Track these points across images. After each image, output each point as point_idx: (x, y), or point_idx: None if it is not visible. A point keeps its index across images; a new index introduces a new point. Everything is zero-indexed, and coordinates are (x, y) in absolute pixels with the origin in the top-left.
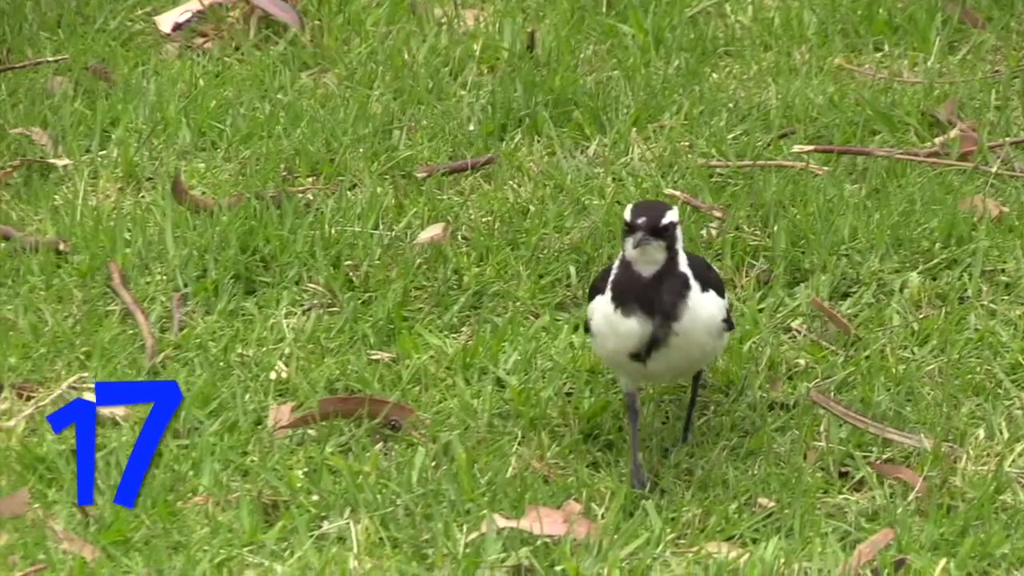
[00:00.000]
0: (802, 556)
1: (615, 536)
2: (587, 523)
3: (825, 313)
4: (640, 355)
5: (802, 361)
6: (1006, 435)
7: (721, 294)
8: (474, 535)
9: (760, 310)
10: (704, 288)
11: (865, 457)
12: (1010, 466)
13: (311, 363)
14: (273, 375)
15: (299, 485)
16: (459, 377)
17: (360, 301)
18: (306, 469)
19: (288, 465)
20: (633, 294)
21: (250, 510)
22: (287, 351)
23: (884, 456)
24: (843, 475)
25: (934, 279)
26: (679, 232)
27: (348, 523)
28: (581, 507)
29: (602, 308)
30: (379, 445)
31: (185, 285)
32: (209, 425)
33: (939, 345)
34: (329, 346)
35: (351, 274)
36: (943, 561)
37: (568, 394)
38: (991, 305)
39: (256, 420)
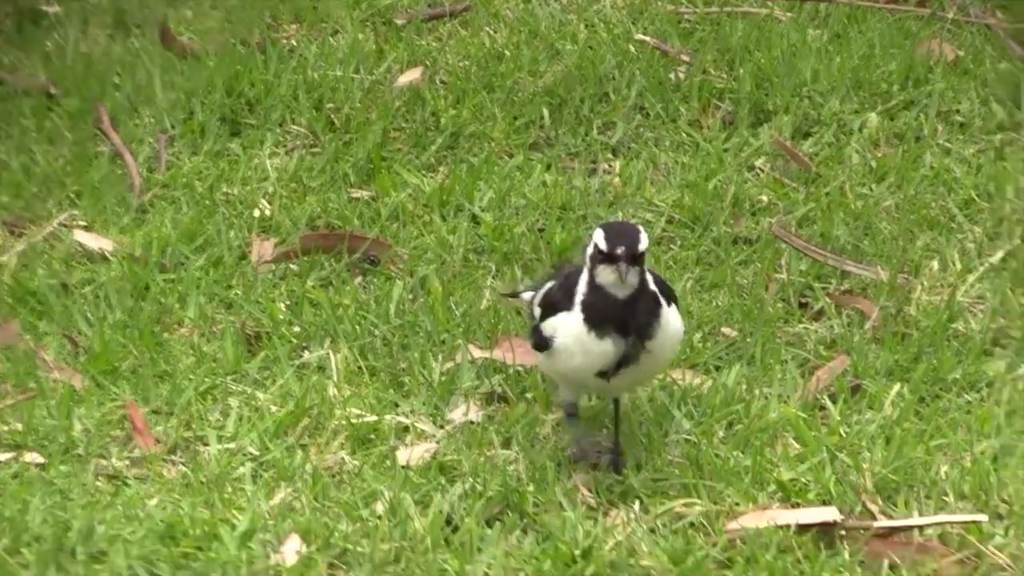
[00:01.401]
0: (762, 382)
1: None
2: None
3: (787, 152)
4: (607, 373)
5: (764, 198)
6: (958, 266)
7: (676, 302)
8: (449, 364)
9: (725, 150)
10: (668, 302)
11: (824, 288)
12: (962, 296)
13: (293, 201)
14: (256, 212)
15: (281, 317)
16: (435, 214)
17: (341, 142)
18: (288, 302)
19: (270, 298)
20: (608, 316)
21: (234, 341)
22: (270, 190)
23: (842, 287)
24: (803, 305)
25: (892, 119)
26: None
27: (328, 353)
28: None
29: (570, 329)
30: (358, 279)
31: (172, 127)
32: (195, 260)
33: (896, 182)
34: (311, 184)
35: (332, 116)
36: (897, 386)
37: (540, 230)
38: (946, 144)
39: (240, 255)
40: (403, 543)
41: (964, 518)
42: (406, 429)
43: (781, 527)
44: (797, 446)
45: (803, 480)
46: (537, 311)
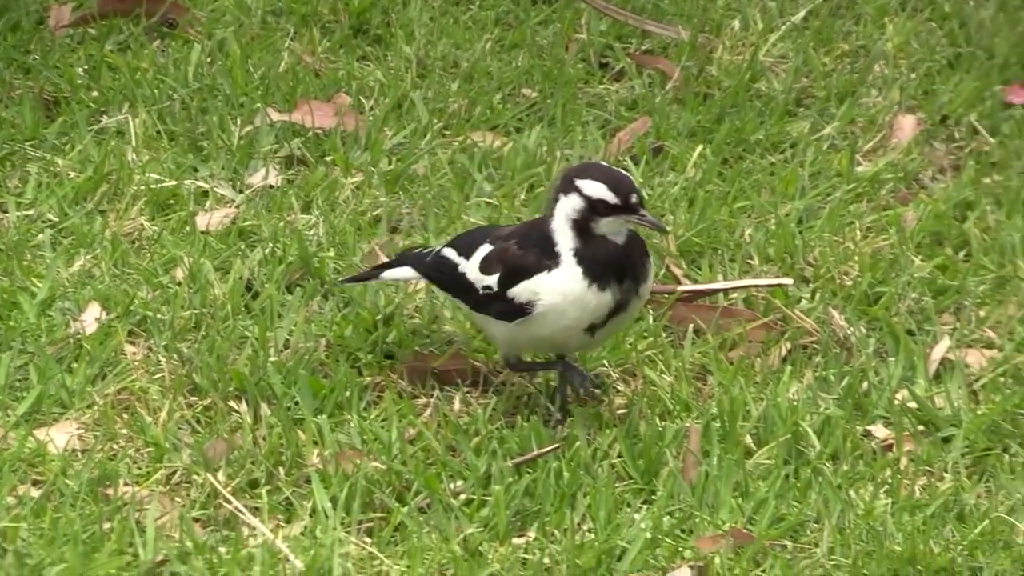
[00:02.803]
0: (563, 144)
1: (383, 128)
2: (355, 116)
3: None
4: (595, 326)
5: None
6: (760, 26)
7: None
8: (248, 128)
9: None
10: None
11: (625, 49)
12: (764, 55)
13: None
14: None
15: (79, 82)
16: None
17: None
18: (86, 66)
19: (68, 63)
20: (611, 265)
21: (32, 106)
22: None
23: (643, 48)
24: (603, 66)
25: None
26: None
27: (127, 117)
28: (350, 100)
29: (563, 287)
30: (156, 42)
31: None
32: None
33: None
34: None
35: None
36: (699, 147)
37: None
38: None
39: (38, 20)
40: (203, 310)
41: (769, 282)
42: (205, 194)
43: None
44: None
45: None
46: (488, 279)
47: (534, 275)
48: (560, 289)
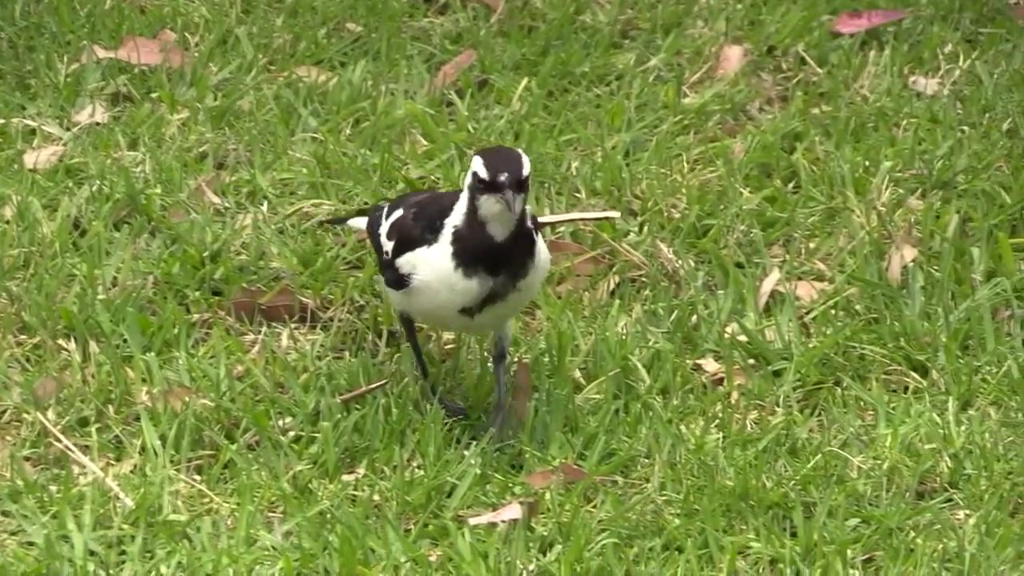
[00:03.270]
0: (388, 78)
1: (208, 64)
2: (181, 52)
3: None
4: (471, 309)
5: None
6: None
7: (537, 227)
8: (75, 66)
9: None
10: (538, 233)
11: None
12: None
13: None
14: None
15: None
16: None
17: None
18: None
19: None
20: (482, 257)
21: None
22: None
23: None
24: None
25: None
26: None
27: None
28: (176, 36)
29: (434, 264)
30: None
31: None
32: None
33: None
34: None
35: None
36: (525, 80)
37: None
38: None
39: None
40: (31, 248)
41: (596, 215)
42: (33, 132)
43: None
44: (425, 143)
45: (432, 178)
46: (388, 244)
47: (416, 248)
48: (432, 266)
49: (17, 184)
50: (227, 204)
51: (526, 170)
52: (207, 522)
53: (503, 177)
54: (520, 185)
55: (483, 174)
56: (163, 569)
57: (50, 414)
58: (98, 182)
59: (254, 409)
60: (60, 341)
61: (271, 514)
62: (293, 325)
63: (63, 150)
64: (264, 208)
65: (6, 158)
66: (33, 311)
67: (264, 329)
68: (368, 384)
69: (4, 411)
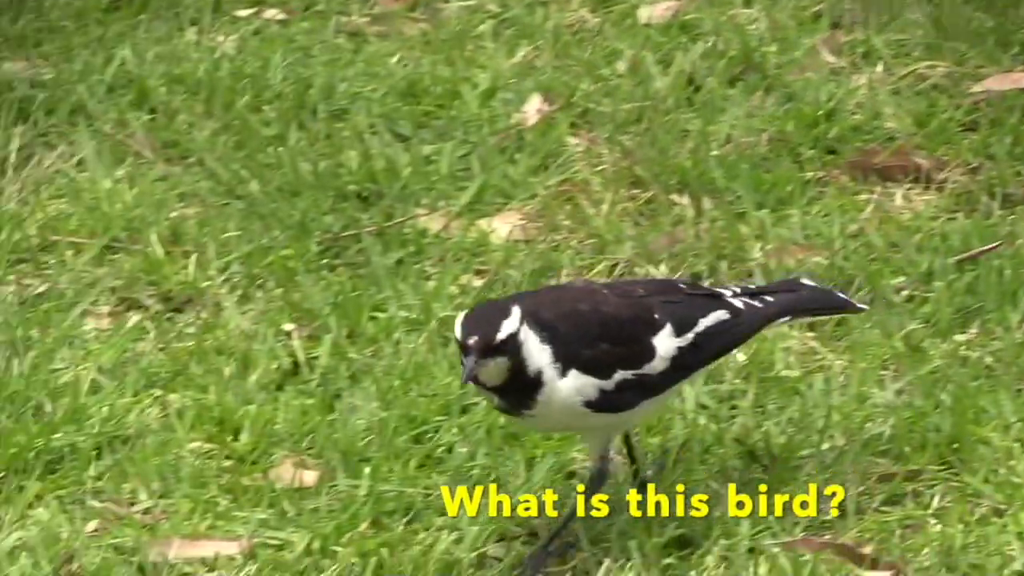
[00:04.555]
0: None
1: None
2: None
3: None
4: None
5: None
6: None
7: (596, 370)
8: None
9: None
10: (566, 368)
11: None
12: None
13: None
14: None
15: None
16: None
17: None
18: None
19: None
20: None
21: None
22: None
23: None
24: None
25: None
26: (525, 334)
27: None
28: None
29: None
30: None
31: None
32: None
33: None
34: None
35: None
36: None
37: None
38: None
39: None
40: (645, 102)
41: None
42: None
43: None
44: None
45: None
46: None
47: None
48: None
49: (631, 38)
50: (842, 64)
51: (503, 333)
52: (819, 379)
53: (472, 340)
54: (492, 350)
55: (457, 334)
56: (772, 424)
57: (662, 268)
58: (713, 38)
59: (868, 267)
60: (673, 196)
61: (883, 372)
62: (907, 185)
63: (678, 5)
64: (879, 69)
65: (621, 12)
66: (646, 165)
67: (878, 189)
68: (982, 246)
69: (615, 264)
